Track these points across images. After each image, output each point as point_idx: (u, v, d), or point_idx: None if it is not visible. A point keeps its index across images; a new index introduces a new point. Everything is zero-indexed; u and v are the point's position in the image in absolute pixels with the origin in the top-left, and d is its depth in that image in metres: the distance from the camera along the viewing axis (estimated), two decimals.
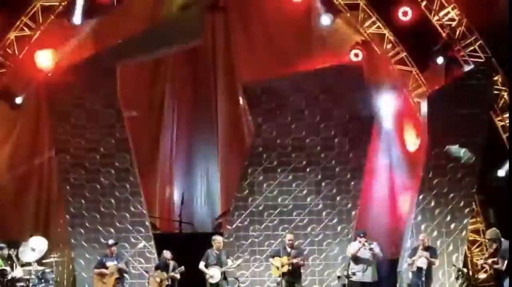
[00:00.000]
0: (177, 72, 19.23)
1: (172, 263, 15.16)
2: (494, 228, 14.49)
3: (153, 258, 16.22)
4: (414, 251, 15.38)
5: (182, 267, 15.09)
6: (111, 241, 15.41)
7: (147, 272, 15.40)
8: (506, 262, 13.77)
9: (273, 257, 15.34)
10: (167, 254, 15.33)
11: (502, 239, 14.04)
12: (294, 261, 15.08)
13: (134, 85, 18.49)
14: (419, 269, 15.00)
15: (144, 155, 18.78)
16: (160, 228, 18.35)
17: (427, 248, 15.22)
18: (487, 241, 15.11)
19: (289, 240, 15.36)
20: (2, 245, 15.06)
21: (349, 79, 17.00)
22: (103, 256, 15.34)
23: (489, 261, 14.24)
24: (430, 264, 15.13)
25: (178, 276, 15.08)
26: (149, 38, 17.06)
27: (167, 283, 15.04)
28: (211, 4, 18.63)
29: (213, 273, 15.05)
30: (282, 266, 15.06)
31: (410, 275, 15.52)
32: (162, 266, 15.24)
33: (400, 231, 17.43)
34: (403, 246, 16.83)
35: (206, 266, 15.12)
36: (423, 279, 14.95)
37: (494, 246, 14.02)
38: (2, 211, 17.74)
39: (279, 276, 15.04)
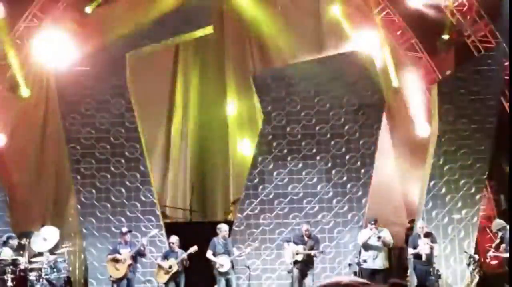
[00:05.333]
0: (187, 59, 19.24)
1: (180, 252, 15.16)
2: (497, 219, 14.43)
3: (164, 246, 16.24)
4: (414, 240, 15.25)
5: (195, 247, 15.04)
6: (124, 229, 15.40)
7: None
8: None
9: (287, 242, 15.33)
10: (173, 238, 15.35)
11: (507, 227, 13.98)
12: (312, 252, 15.13)
13: (145, 74, 18.55)
14: (427, 256, 14.95)
15: (156, 143, 18.93)
16: (170, 216, 18.39)
17: (427, 235, 15.15)
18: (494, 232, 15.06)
19: (305, 230, 15.37)
20: (11, 235, 15.17)
21: (359, 66, 16.96)
22: (117, 244, 15.39)
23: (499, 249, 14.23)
24: (431, 249, 15.09)
25: (187, 260, 15.01)
26: (159, 27, 17.07)
27: (176, 268, 15.05)
28: None
29: (223, 262, 15.06)
30: (297, 254, 15.08)
31: (414, 263, 15.38)
32: (170, 254, 15.27)
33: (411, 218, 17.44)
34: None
35: (214, 254, 15.14)
36: (434, 265, 14.95)
37: (500, 234, 13.96)
38: (14, 202, 17.82)
39: (291, 263, 15.04)
